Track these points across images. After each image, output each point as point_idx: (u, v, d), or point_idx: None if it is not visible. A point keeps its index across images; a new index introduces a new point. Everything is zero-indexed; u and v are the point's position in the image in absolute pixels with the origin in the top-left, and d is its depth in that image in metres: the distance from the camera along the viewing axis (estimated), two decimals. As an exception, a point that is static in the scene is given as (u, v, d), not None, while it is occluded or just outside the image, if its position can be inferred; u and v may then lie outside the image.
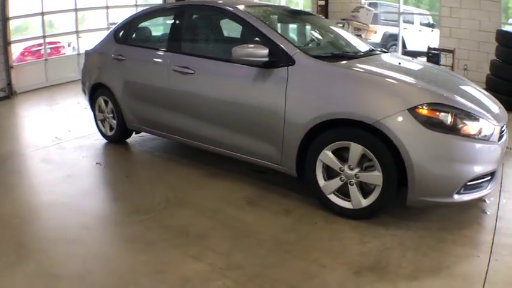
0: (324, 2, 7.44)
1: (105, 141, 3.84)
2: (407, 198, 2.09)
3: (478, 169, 2.06)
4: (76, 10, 7.02)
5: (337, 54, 2.61)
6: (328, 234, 2.18)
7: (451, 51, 4.97)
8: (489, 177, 2.18)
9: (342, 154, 2.25)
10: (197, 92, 2.85)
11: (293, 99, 2.34)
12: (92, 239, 2.18)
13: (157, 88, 3.14)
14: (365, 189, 2.24)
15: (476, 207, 2.43)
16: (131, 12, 5.58)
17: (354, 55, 2.63)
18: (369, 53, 2.77)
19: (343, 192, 2.31)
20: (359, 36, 5.90)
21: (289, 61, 2.38)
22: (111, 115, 3.69)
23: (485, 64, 4.98)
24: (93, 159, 3.42)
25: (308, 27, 3.40)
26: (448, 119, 2.02)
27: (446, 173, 2.01)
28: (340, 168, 2.25)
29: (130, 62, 3.40)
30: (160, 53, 3.15)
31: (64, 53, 7.75)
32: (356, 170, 2.21)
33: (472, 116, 2.08)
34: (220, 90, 2.71)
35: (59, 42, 7.72)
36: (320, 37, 3.20)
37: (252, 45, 2.40)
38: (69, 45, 7.94)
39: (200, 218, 2.37)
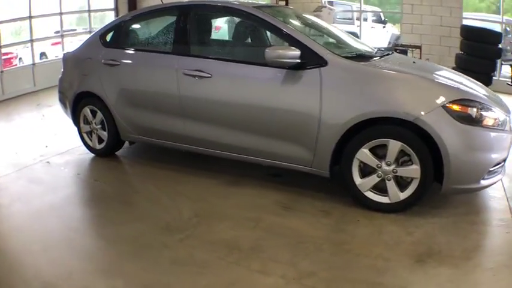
0: (284, 2, 7.58)
1: (92, 155, 3.49)
2: (443, 187, 2.25)
3: (498, 156, 2.29)
4: (30, 18, 6.23)
5: (361, 54, 2.68)
6: (375, 230, 2.25)
7: (419, 47, 5.43)
8: (503, 163, 2.44)
9: (375, 151, 2.34)
10: (215, 97, 2.72)
11: (329, 100, 2.35)
12: (136, 269, 1.95)
13: (163, 94, 2.93)
14: (400, 183, 2.36)
15: (485, 192, 2.68)
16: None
17: (374, 55, 2.73)
18: (383, 53, 2.89)
19: (378, 188, 2.40)
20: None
21: (321, 62, 2.40)
22: (100, 126, 3.37)
23: (447, 57, 5.53)
24: (89, 177, 3.09)
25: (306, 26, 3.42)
26: (474, 112, 2.22)
27: (475, 161, 2.21)
28: (377, 165, 2.33)
29: (126, 67, 3.13)
30: (165, 56, 2.95)
31: (16, 64, 6.90)
32: (393, 166, 2.31)
33: (490, 109, 2.30)
34: (244, 93, 2.63)
35: (11, 53, 6.85)
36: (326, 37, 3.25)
37: (285, 47, 2.37)
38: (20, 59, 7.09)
39: (243, 229, 2.28)
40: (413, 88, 2.30)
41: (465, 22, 5.71)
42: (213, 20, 3.02)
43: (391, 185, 2.34)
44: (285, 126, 2.52)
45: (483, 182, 2.26)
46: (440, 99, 2.21)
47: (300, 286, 1.78)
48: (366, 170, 2.40)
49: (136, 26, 3.33)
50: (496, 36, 5.09)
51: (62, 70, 3.64)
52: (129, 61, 3.15)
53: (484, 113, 2.23)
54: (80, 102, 3.43)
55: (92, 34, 3.60)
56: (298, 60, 2.38)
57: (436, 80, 2.41)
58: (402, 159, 2.31)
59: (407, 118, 2.19)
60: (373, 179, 2.37)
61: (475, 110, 2.22)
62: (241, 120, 2.68)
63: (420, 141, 2.21)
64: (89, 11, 7.31)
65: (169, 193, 2.76)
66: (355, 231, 2.25)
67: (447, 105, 2.19)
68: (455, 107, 2.20)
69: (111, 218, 2.46)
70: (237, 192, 2.74)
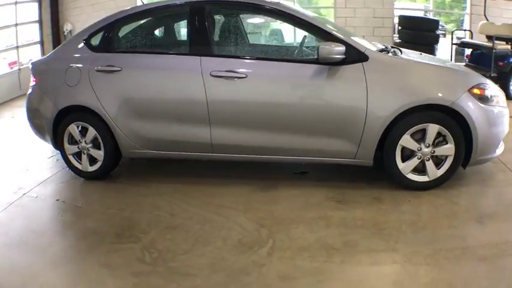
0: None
1: (81, 179, 2.96)
2: (471, 160, 2.61)
3: (506, 128, 2.76)
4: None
5: (383, 49, 2.86)
6: (429, 206, 2.49)
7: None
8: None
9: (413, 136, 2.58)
10: (251, 98, 2.59)
11: (374, 93, 2.48)
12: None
13: (185, 100, 2.67)
14: (436, 162, 2.64)
15: (484, 166, 3.06)
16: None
17: (389, 49, 2.94)
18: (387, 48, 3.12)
19: (416, 169, 2.65)
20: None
21: (362, 57, 2.50)
22: (91, 145, 2.87)
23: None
24: (102, 207, 2.62)
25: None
26: (489, 94, 2.63)
27: (494, 135, 2.62)
28: (417, 148, 2.58)
29: (130, 73, 2.73)
30: (184, 57, 2.67)
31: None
32: (431, 147, 2.58)
33: (496, 90, 2.75)
34: (285, 92, 2.57)
35: None
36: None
37: (334, 44, 2.40)
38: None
39: (320, 229, 2.26)
40: (443, 76, 2.61)
41: (396, 12, 6.51)
42: (240, 18, 2.81)
43: (430, 165, 2.61)
44: (330, 121, 2.56)
45: (497, 151, 2.71)
46: (465, 85, 2.55)
47: (415, 266, 1.89)
48: (405, 154, 2.62)
49: (137, 25, 2.89)
50: (433, 24, 5.95)
51: (33, 83, 2.97)
52: (135, 66, 2.74)
53: (495, 94, 2.66)
54: (62, 120, 2.86)
55: (69, 39, 3.01)
56: (343, 56, 2.44)
57: (456, 69, 2.77)
58: (437, 140, 2.60)
59: (445, 103, 2.48)
60: (414, 162, 2.61)
61: (488, 91, 2.63)
62: (281, 120, 2.62)
63: (455, 122, 2.52)
64: (16, 24, 6.29)
65: (210, 208, 2.53)
66: (415, 210, 2.45)
67: (471, 89, 2.54)
68: (476, 91, 2.57)
69: (171, 249, 2.13)
70: (281, 196, 2.68)
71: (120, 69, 2.72)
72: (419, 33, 5.76)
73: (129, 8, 2.98)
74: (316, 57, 2.47)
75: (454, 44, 5.84)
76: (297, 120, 2.59)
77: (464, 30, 6.50)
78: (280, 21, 2.79)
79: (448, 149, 2.57)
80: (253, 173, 2.99)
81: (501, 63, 4.95)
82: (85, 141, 2.89)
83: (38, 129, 3.08)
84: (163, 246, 2.16)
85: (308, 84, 2.56)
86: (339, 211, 2.46)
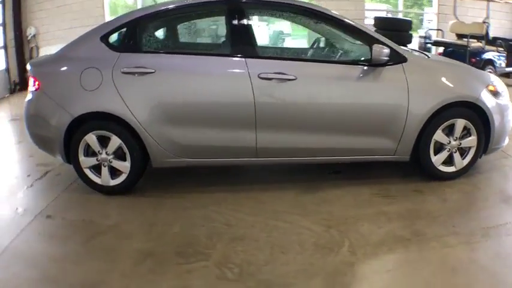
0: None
1: (97, 194, 2.64)
2: (488, 149, 2.91)
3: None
4: None
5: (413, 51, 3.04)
6: (463, 193, 2.73)
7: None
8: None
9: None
10: (301, 100, 2.55)
11: (415, 92, 2.61)
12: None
13: (231, 103, 2.54)
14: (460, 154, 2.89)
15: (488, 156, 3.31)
16: None
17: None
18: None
19: (445, 161, 2.86)
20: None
21: (401, 59, 2.62)
22: (112, 156, 2.55)
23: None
24: (144, 225, 2.33)
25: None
26: (500, 90, 2.96)
27: (504, 126, 2.95)
28: (447, 141, 2.79)
29: (167, 76, 2.50)
30: (227, 58, 2.52)
31: None
32: (458, 140, 2.82)
33: (503, 86, 3.08)
34: (335, 93, 2.59)
35: None
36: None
37: (384, 46, 2.47)
38: None
39: (386, 224, 2.31)
40: (467, 75, 2.87)
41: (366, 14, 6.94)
42: (286, 20, 2.72)
43: (456, 156, 2.84)
44: (375, 120, 2.65)
45: (506, 140, 3.07)
46: (483, 83, 2.84)
47: (478, 243, 2.10)
48: (436, 148, 2.82)
49: (168, 23, 2.63)
50: (406, 24, 6.43)
51: (34, 88, 2.53)
52: (171, 68, 2.51)
53: (502, 90, 3.01)
54: (77, 129, 2.50)
55: (79, 36, 2.62)
56: (388, 58, 2.54)
57: (473, 68, 3.06)
58: (462, 133, 2.85)
59: (471, 100, 2.72)
60: (445, 154, 2.81)
61: (498, 88, 2.97)
62: (329, 121, 2.62)
63: (477, 117, 2.79)
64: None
65: (268, 215, 2.43)
66: (453, 198, 2.67)
67: (487, 86, 2.84)
68: (491, 87, 2.87)
69: (250, 261, 1.98)
70: (329, 196, 2.66)
71: (153, 71, 2.46)
72: (394, 33, 6.22)
73: (155, 4, 2.71)
74: (362, 59, 2.55)
75: (429, 42, 6.42)
76: (344, 121, 2.62)
77: (437, 29, 7.10)
78: (327, 25, 2.77)
79: (472, 140, 2.83)
80: (289, 176, 2.94)
81: (474, 60, 5.58)
82: (106, 152, 2.55)
83: (42, 140, 2.64)
84: (240, 260, 2.00)
85: (356, 85, 2.60)
86: (391, 205, 2.55)
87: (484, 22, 6.25)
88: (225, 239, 2.18)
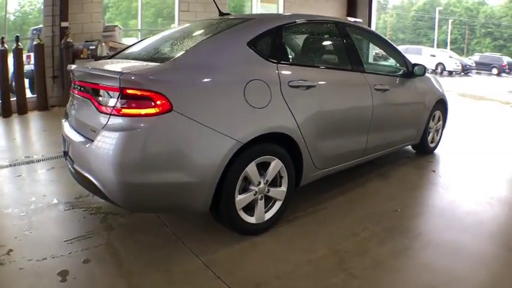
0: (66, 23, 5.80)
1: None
2: None
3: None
4: None
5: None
6: (417, 176, 3.95)
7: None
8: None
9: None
10: (391, 104, 3.08)
11: (426, 94, 3.61)
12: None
13: (360, 113, 2.79)
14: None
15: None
16: None
17: None
18: None
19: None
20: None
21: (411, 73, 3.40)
22: (265, 183, 2.21)
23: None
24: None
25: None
26: None
27: None
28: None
29: (323, 89, 2.45)
30: (353, 73, 2.74)
31: None
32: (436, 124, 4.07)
33: None
34: (400, 97, 3.22)
35: None
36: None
37: (419, 65, 3.31)
38: None
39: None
40: (436, 83, 4.06)
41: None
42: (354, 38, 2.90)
43: (432, 136, 4.10)
44: (413, 115, 3.48)
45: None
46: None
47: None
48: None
49: (306, 36, 2.42)
50: None
51: (160, 109, 1.78)
52: (326, 81, 2.48)
53: None
54: (237, 159, 2.00)
55: (216, 37, 1.99)
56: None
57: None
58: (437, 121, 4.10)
59: (443, 98, 3.97)
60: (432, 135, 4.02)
61: None
62: (397, 118, 3.22)
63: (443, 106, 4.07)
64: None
65: (395, 214, 2.62)
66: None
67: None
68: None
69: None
70: (388, 190, 3.01)
71: (314, 84, 2.29)
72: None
73: (292, 14, 2.44)
74: (404, 72, 3.32)
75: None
76: (402, 117, 3.31)
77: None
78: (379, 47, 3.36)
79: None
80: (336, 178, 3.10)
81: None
82: (264, 182, 2.15)
83: (169, 191, 1.87)
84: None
85: (405, 89, 3.30)
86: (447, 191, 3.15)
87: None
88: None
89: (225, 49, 2.07)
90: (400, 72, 3.33)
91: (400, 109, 3.26)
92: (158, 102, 1.77)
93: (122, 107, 1.76)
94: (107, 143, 1.75)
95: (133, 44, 2.73)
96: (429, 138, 3.91)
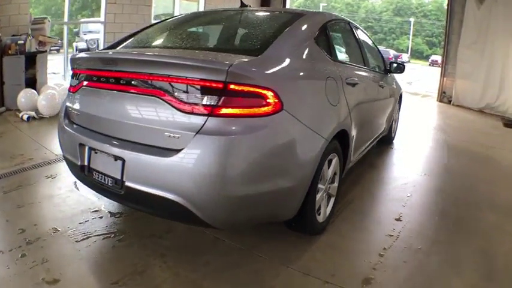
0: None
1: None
2: None
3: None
4: None
5: None
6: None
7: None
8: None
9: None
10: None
11: (395, 88, 4.06)
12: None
13: (374, 104, 3.01)
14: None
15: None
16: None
17: None
18: None
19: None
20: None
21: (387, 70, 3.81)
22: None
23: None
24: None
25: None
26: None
27: None
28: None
29: (362, 85, 2.60)
30: (370, 71, 3.00)
31: None
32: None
33: None
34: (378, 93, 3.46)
35: None
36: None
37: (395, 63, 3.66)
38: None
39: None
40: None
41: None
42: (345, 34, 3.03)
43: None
44: (390, 105, 3.86)
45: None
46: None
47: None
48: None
49: (338, 34, 2.55)
50: None
51: (273, 108, 1.59)
52: (359, 78, 2.59)
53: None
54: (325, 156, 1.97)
55: (288, 32, 1.88)
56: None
57: None
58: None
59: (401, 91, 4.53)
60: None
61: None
62: (379, 113, 3.49)
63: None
64: None
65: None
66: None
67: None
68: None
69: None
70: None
71: (358, 82, 2.41)
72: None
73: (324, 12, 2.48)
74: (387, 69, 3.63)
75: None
76: (383, 110, 3.60)
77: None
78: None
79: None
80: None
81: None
82: (329, 179, 2.16)
83: (268, 202, 1.68)
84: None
85: (387, 86, 3.64)
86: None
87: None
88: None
89: (301, 45, 1.94)
90: (382, 70, 3.69)
91: (383, 103, 3.60)
92: (270, 101, 1.56)
93: (223, 106, 1.47)
94: (205, 151, 1.46)
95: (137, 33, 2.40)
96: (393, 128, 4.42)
